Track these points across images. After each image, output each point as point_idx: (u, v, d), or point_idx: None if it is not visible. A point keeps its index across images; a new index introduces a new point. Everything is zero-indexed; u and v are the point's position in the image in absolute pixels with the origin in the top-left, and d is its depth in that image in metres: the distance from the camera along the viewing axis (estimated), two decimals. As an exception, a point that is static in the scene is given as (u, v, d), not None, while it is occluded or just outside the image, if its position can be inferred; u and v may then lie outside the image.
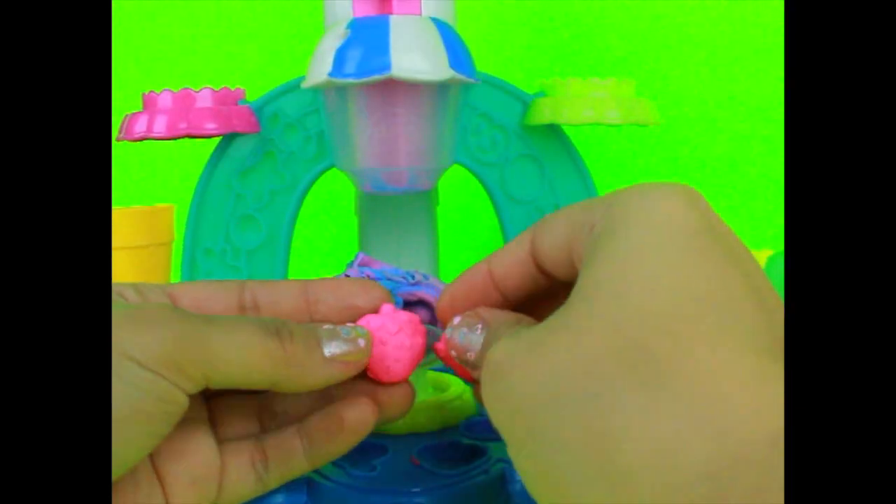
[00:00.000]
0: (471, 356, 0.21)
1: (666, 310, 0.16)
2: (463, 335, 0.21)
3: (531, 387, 0.17)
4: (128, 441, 0.19)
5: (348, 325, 0.23)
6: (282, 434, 0.23)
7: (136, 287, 0.23)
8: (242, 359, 0.20)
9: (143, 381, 0.19)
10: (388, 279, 0.28)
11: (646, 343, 0.16)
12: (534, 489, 0.17)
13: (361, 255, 0.30)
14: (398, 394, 0.24)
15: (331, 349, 0.22)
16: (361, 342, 0.22)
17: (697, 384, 0.15)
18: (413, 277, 0.29)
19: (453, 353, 0.22)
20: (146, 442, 0.20)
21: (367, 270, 0.29)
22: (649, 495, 0.15)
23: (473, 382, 0.22)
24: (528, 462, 0.17)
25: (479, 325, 0.21)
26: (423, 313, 0.28)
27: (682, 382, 0.15)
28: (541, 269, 0.22)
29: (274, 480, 0.23)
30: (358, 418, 0.23)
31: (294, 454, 0.23)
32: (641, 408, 0.15)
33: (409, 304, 0.28)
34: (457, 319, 0.22)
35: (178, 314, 0.20)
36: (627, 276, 0.17)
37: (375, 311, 0.24)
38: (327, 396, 0.24)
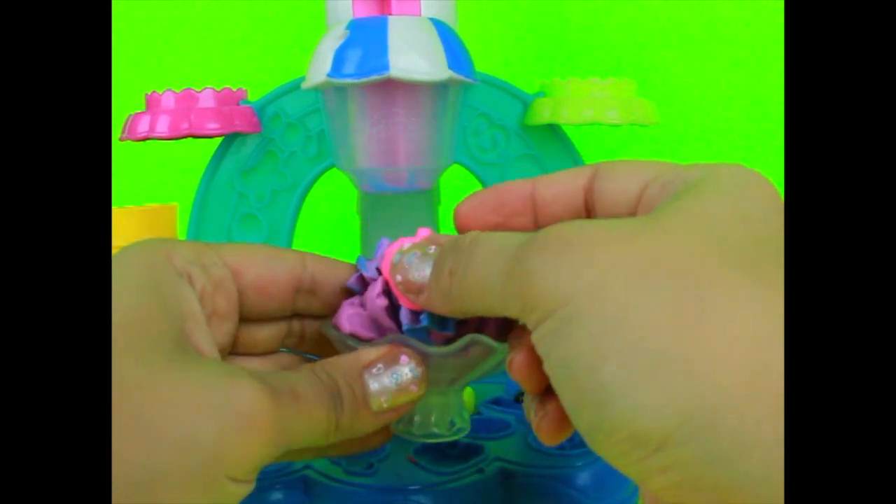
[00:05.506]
0: (420, 276, 0.20)
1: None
2: (413, 258, 0.21)
3: (617, 265, 0.17)
4: None
5: (402, 359, 0.21)
6: None
7: (195, 251, 0.22)
8: (309, 436, 0.20)
9: (233, 494, 0.18)
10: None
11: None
12: (586, 363, 0.16)
13: (386, 241, 0.25)
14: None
15: (380, 402, 0.21)
16: (413, 388, 0.21)
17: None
18: None
19: (398, 277, 0.21)
20: None
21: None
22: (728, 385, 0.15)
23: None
24: (583, 334, 0.16)
25: (433, 248, 0.21)
26: None
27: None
28: (589, 207, 0.22)
29: None
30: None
31: None
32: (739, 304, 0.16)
33: None
34: (407, 244, 0.21)
35: (274, 410, 0.19)
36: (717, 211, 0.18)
37: None
38: None
